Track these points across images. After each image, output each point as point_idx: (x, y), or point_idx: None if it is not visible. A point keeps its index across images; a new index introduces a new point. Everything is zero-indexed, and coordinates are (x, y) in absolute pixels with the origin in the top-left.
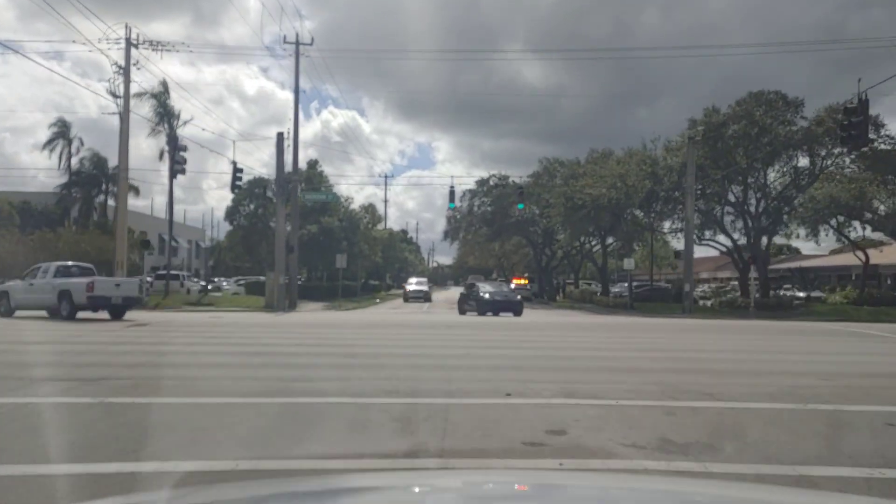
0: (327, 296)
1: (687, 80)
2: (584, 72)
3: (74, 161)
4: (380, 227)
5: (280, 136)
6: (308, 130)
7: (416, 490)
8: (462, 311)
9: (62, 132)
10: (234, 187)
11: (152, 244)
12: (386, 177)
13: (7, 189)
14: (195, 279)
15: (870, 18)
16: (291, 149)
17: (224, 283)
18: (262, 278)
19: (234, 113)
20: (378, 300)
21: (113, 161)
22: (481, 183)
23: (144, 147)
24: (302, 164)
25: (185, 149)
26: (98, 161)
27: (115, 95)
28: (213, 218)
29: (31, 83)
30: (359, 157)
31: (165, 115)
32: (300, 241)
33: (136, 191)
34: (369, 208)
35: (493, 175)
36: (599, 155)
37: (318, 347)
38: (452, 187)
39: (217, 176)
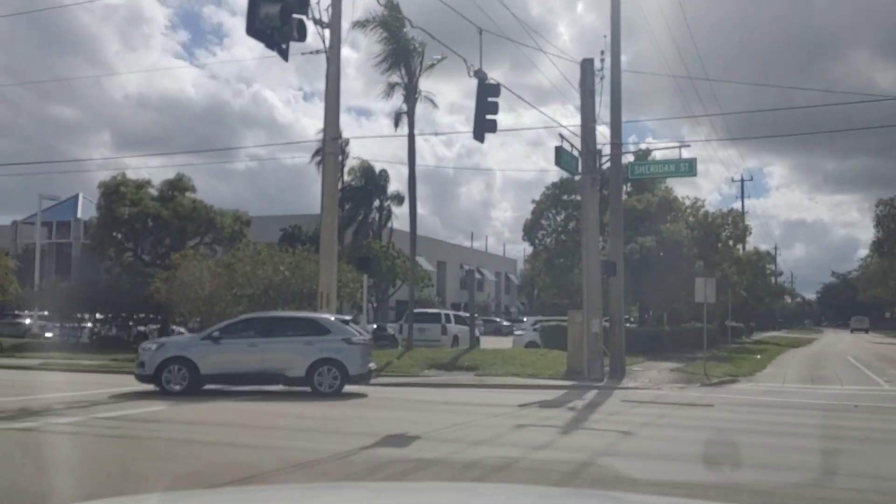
0: (667, 348)
1: None
2: None
3: (345, 173)
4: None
5: (588, 63)
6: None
7: None
8: None
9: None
10: (483, 128)
11: (398, 267)
12: (742, 180)
13: (283, 213)
14: (480, 320)
15: None
16: (609, 91)
17: (518, 328)
18: (566, 319)
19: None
20: (758, 355)
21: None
22: None
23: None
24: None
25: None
26: (366, 171)
27: (319, 24)
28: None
29: None
30: (682, 187)
31: (401, 53)
32: (627, 262)
33: (399, 200)
34: (730, 214)
35: None
36: None
37: None
38: None
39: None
